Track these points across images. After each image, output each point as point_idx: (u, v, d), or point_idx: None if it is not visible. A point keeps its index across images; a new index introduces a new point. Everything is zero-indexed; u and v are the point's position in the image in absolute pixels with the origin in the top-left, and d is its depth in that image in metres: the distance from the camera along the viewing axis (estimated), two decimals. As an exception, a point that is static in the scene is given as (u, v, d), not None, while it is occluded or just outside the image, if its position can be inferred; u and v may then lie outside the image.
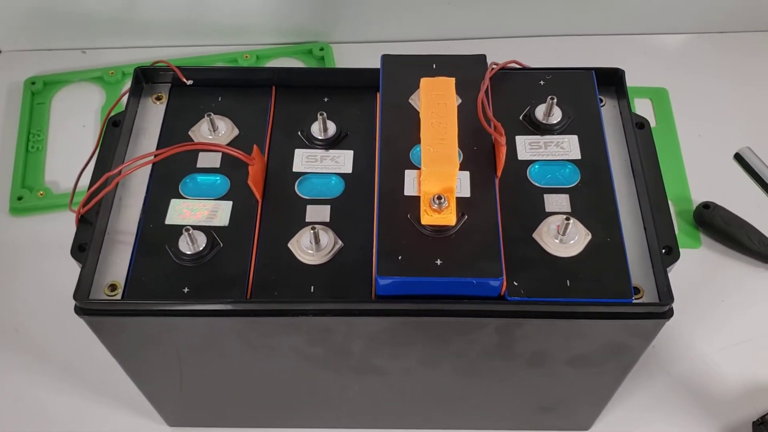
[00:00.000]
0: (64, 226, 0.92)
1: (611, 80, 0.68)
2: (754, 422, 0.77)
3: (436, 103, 0.57)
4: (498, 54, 1.06)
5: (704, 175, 0.95)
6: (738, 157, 0.72)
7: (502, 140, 0.57)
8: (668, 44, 1.11)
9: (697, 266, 0.89)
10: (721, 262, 0.90)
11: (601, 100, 0.68)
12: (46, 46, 1.09)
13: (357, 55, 1.07)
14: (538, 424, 0.77)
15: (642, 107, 1.02)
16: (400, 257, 0.55)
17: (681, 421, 0.79)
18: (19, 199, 0.95)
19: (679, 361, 0.83)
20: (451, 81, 0.58)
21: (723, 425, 0.78)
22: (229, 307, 0.56)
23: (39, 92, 1.04)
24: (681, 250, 0.89)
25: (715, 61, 1.08)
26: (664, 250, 0.58)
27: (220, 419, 0.78)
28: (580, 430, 0.79)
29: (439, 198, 0.55)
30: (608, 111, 0.68)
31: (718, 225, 0.89)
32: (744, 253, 0.89)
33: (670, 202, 0.93)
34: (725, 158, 0.97)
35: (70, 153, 1.00)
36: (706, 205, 0.90)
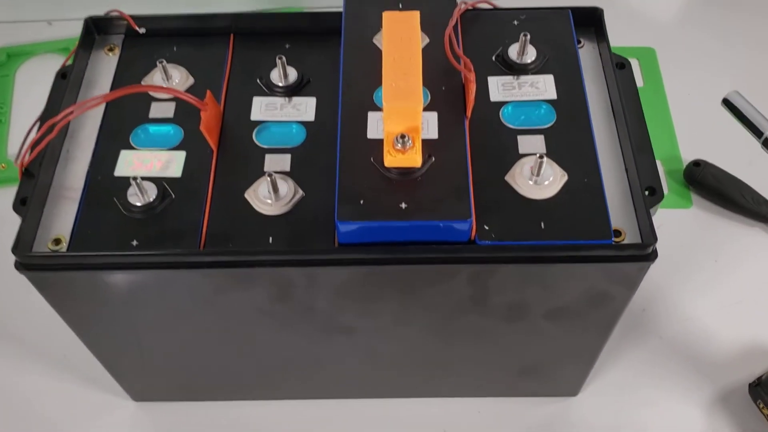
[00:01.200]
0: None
1: (590, 21, 0.64)
2: (750, 384, 0.73)
3: (399, 37, 0.53)
4: None
5: (694, 133, 0.91)
6: (726, 102, 0.68)
7: (472, 76, 0.53)
8: (654, 1, 1.07)
9: (689, 226, 0.85)
10: (713, 221, 0.86)
11: (579, 42, 0.64)
12: (10, 18, 1.05)
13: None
14: (521, 390, 0.73)
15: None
16: (362, 201, 0.51)
17: (674, 385, 0.75)
18: (-19, 172, 0.91)
19: (671, 324, 0.79)
20: (416, 14, 0.54)
21: (718, 388, 0.74)
22: (179, 258, 0.52)
23: (3, 64, 1.01)
24: (671, 210, 0.86)
25: (703, 18, 1.04)
26: (647, 192, 0.55)
27: (186, 392, 0.74)
28: (568, 395, 0.75)
29: (403, 137, 0.51)
30: (587, 53, 0.64)
31: (710, 183, 0.85)
32: (736, 211, 0.85)
33: (659, 162, 0.90)
34: (715, 115, 0.93)
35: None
36: (696, 163, 0.86)
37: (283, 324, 0.60)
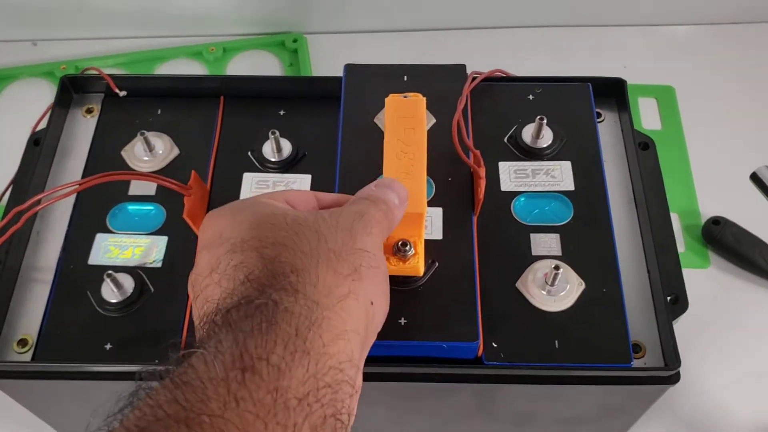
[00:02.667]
0: None
1: (611, 91, 0.59)
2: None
3: (403, 128, 0.48)
4: (490, 45, 0.98)
5: (714, 186, 0.86)
6: (755, 177, 0.63)
7: (482, 172, 0.48)
8: (675, 36, 1.00)
9: (706, 288, 0.80)
10: (732, 283, 0.81)
11: (599, 115, 0.59)
12: (-8, 37, 1.00)
13: (334, 47, 0.97)
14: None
15: (646, 107, 0.92)
16: (356, 314, 0.46)
17: (685, 467, 0.71)
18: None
19: (685, 399, 0.74)
20: (422, 102, 0.49)
21: (732, 473, 0.70)
22: (156, 368, 0.48)
23: (-16, 88, 0.95)
24: (687, 270, 0.80)
25: (726, 56, 0.98)
26: (669, 298, 0.50)
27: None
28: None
29: (404, 244, 0.46)
30: (607, 127, 0.58)
31: (729, 243, 0.80)
32: (757, 273, 0.80)
33: (675, 216, 0.85)
34: (738, 168, 0.88)
35: (15, 157, 0.90)
36: (716, 221, 0.81)
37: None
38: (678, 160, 0.88)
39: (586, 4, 0.97)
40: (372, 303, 0.37)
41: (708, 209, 0.84)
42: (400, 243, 0.46)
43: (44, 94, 0.95)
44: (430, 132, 0.52)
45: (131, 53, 0.95)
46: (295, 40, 0.96)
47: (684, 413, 0.74)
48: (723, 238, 0.80)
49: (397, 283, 0.47)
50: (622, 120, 0.58)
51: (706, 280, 0.81)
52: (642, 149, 0.56)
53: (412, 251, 0.46)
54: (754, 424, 0.73)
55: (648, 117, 0.92)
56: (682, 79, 0.95)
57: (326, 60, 0.95)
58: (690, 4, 0.98)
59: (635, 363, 0.47)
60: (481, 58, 0.93)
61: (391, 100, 0.49)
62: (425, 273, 0.47)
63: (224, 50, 0.96)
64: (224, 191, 0.55)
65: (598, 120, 0.58)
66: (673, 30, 1.01)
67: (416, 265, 0.46)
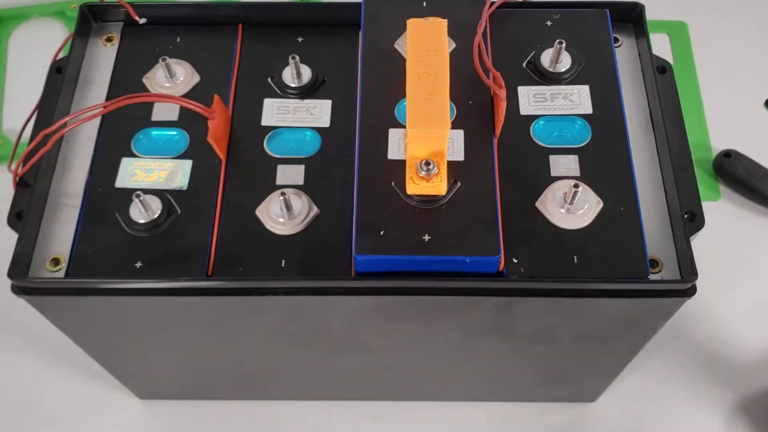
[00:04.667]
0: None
1: (629, 16, 0.59)
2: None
3: (425, 50, 0.48)
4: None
5: (725, 120, 0.86)
6: (769, 105, 0.63)
7: (502, 93, 0.49)
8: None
9: (716, 220, 0.81)
10: (742, 215, 0.82)
11: (617, 40, 0.59)
12: (1, -23, 0.99)
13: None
14: (541, 396, 0.71)
15: (659, 43, 0.92)
16: (382, 232, 0.47)
17: (694, 392, 0.73)
18: (-25, 146, 0.87)
19: (694, 327, 0.76)
20: (443, 24, 0.49)
21: (739, 396, 0.72)
22: (187, 285, 0.49)
23: (-5, 28, 0.95)
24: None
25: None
26: (686, 216, 0.51)
27: (195, 392, 0.72)
28: (586, 402, 0.73)
29: (428, 164, 0.47)
30: (624, 52, 0.59)
31: (740, 175, 0.81)
32: (767, 206, 0.82)
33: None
34: (749, 102, 0.89)
35: (30, 97, 0.90)
36: (727, 154, 0.82)
37: (294, 343, 0.58)
38: (690, 94, 0.88)
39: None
40: None
41: (719, 143, 0.85)
42: (423, 162, 0.47)
43: (55, 33, 0.95)
44: (451, 56, 0.53)
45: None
46: None
47: (691, 340, 0.75)
48: (734, 171, 0.81)
49: (421, 201, 0.48)
50: (639, 45, 0.58)
51: (716, 213, 0.82)
52: (659, 73, 0.57)
53: (436, 170, 0.47)
54: (759, 349, 0.75)
55: (660, 53, 0.92)
56: (694, 15, 0.94)
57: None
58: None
59: (653, 277, 0.49)
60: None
61: (413, 23, 0.50)
62: (448, 192, 0.48)
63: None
64: (246, 117, 0.56)
65: (616, 45, 0.58)
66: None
67: (439, 184, 0.47)
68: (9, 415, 0.73)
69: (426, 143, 0.47)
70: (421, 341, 0.57)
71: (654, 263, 0.50)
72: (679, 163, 0.52)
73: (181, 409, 0.73)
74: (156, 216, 0.51)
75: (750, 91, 0.89)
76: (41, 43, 0.95)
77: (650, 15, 0.90)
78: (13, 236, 0.51)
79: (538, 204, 0.50)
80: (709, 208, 0.82)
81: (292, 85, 0.57)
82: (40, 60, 0.93)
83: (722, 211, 0.82)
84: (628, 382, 0.73)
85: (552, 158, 0.52)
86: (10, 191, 0.84)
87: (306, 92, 0.57)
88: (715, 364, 0.74)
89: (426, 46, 0.49)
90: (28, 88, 0.91)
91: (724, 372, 0.74)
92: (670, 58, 0.91)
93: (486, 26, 0.55)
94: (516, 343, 0.57)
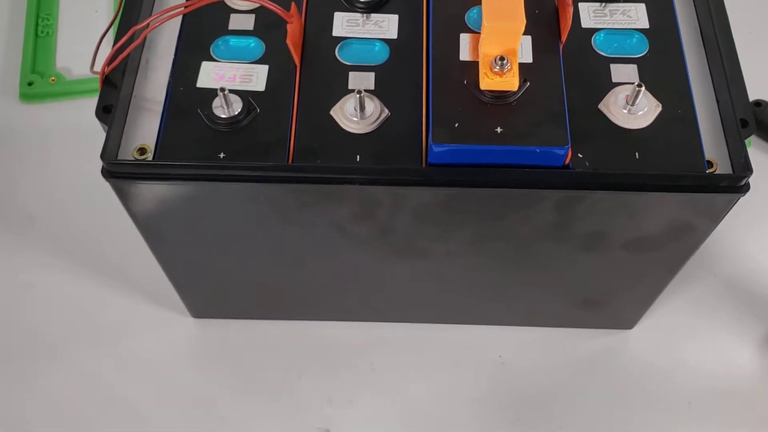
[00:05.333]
0: (78, 113, 0.88)
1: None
2: None
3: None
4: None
5: (754, 72, 0.89)
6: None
7: (570, -1, 0.52)
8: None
9: (746, 167, 0.84)
10: (770, 163, 0.85)
11: (668, -34, 0.62)
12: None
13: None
14: (580, 321, 0.74)
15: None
16: (456, 125, 0.50)
17: (726, 323, 0.76)
18: (30, 84, 0.89)
19: (726, 262, 0.79)
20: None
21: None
22: (270, 172, 0.52)
23: (47, -26, 0.98)
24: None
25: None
26: (740, 121, 0.54)
27: (247, 310, 0.75)
28: (623, 329, 0.75)
29: (501, 59, 0.50)
30: (674, -20, 0.62)
31: (770, 124, 0.84)
32: (796, 154, 0.85)
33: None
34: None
35: (82, 39, 0.93)
36: (757, 103, 0.85)
37: (358, 243, 0.60)
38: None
39: None
40: None
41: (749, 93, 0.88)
42: (498, 58, 0.50)
43: (107, -20, 0.98)
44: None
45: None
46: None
47: (724, 273, 0.79)
48: (765, 119, 0.85)
49: (493, 97, 0.51)
50: (687, -30, 0.62)
51: (746, 160, 0.85)
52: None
53: (509, 66, 0.50)
54: (791, 285, 0.78)
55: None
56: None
57: None
58: None
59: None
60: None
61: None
62: (519, 89, 0.51)
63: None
64: (318, 27, 0.59)
65: (667, -30, 0.61)
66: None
67: (512, 79, 0.50)
68: (57, 327, 0.75)
69: (501, 39, 0.50)
70: (477, 246, 0.60)
71: (710, 164, 0.53)
72: (731, 74, 0.55)
73: (234, 328, 0.75)
74: (237, 113, 0.54)
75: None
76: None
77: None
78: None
79: (600, 106, 0.53)
80: (739, 154, 0.85)
81: (361, 0, 0.60)
82: (91, 5, 0.97)
83: (753, 159, 0.85)
84: (663, 311, 0.76)
85: (613, 66, 0.55)
86: (63, 125, 0.88)
87: (374, 7, 0.60)
88: (746, 298, 0.77)
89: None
90: (80, 30, 0.94)
91: (755, 305, 0.77)
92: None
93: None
94: (569, 249, 0.60)
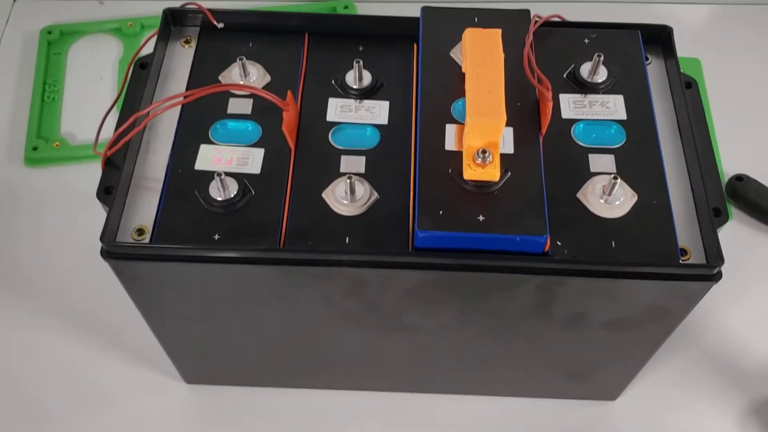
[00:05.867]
0: (80, 178, 0.91)
1: (658, 38, 0.66)
2: None
3: (482, 54, 0.55)
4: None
5: (736, 145, 0.93)
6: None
7: (549, 95, 0.55)
8: (698, 15, 1.08)
9: (729, 240, 0.85)
10: (753, 237, 0.88)
11: (647, 58, 0.65)
12: (62, -5, 1.06)
13: (384, 14, 1.04)
14: (563, 392, 0.76)
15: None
16: (441, 212, 0.53)
17: (709, 395, 0.78)
18: (35, 149, 0.92)
19: (709, 335, 0.81)
20: (497, 32, 0.56)
21: (752, 400, 0.77)
22: (262, 254, 0.54)
23: (55, 42, 1.02)
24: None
25: (746, 36, 1.05)
26: (712, 210, 0.57)
27: (241, 378, 0.77)
28: (606, 399, 0.77)
29: (483, 152, 0.53)
30: (654, 69, 0.65)
31: (752, 198, 0.87)
32: (777, 228, 0.87)
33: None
34: (759, 129, 0.96)
35: (86, 105, 0.97)
36: (739, 178, 0.88)
37: (348, 319, 0.63)
38: (704, 125, 0.95)
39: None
40: None
41: (730, 168, 0.91)
42: (480, 150, 0.53)
43: (111, 48, 1.02)
44: (501, 63, 0.59)
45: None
46: (346, 7, 1.03)
47: (707, 346, 0.80)
48: (746, 194, 0.87)
49: (476, 186, 0.54)
50: (668, 64, 0.65)
51: (728, 233, 0.87)
52: (687, 88, 0.63)
53: (491, 158, 0.53)
54: (771, 358, 0.80)
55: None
56: (706, 54, 1.02)
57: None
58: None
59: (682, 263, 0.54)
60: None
61: (471, 31, 0.56)
62: (500, 179, 0.54)
63: (280, 13, 1.02)
64: (312, 113, 0.62)
65: (647, 63, 0.65)
66: (693, 9, 1.08)
67: (493, 171, 0.53)
68: (53, 390, 0.77)
69: (483, 133, 0.53)
70: (464, 322, 0.62)
71: (683, 252, 0.55)
72: (705, 164, 0.58)
73: (227, 395, 0.77)
74: (233, 195, 0.56)
75: (761, 117, 0.96)
76: (98, 56, 1.01)
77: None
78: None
79: (579, 195, 0.56)
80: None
81: (354, 87, 0.63)
82: (96, 72, 1.00)
83: (734, 232, 0.88)
84: (647, 383, 0.78)
85: (591, 156, 0.58)
86: (67, 189, 0.90)
87: (366, 94, 0.63)
88: (729, 371, 0.79)
89: (483, 51, 0.55)
90: (85, 96, 0.98)
91: (737, 378, 0.78)
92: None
93: (532, 39, 0.61)
94: (551, 327, 0.62)
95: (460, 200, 0.53)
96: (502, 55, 0.55)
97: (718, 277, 0.54)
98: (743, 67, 1.02)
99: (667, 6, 1.08)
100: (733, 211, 0.89)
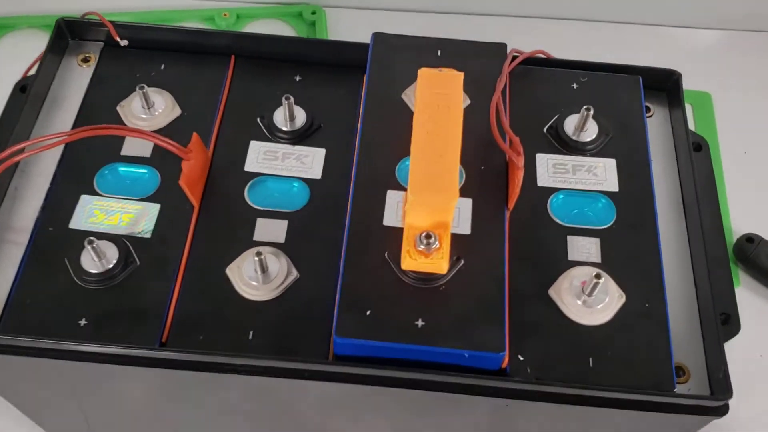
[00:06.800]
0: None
1: (663, 84, 0.53)
2: None
3: (436, 105, 0.42)
4: (525, 34, 0.92)
5: (749, 200, 0.80)
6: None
7: (520, 161, 0.43)
8: (711, 41, 0.95)
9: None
10: (762, 307, 0.75)
11: (648, 109, 0.53)
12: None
13: (355, 23, 0.92)
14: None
15: (681, 113, 0.87)
16: (368, 312, 0.41)
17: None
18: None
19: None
20: (459, 77, 0.43)
21: None
22: (135, 353, 0.42)
23: (-19, 34, 0.89)
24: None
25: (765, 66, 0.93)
26: (720, 317, 0.44)
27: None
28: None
29: (428, 236, 0.40)
30: (656, 124, 0.53)
31: (762, 263, 0.75)
32: (790, 299, 0.75)
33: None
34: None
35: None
36: (749, 239, 0.76)
37: (257, 422, 0.50)
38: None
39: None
40: None
41: (741, 225, 0.79)
42: (423, 235, 0.41)
43: (43, 46, 0.89)
44: (465, 113, 0.47)
45: (139, 12, 0.89)
46: (313, 12, 0.91)
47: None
48: (756, 258, 0.75)
49: (417, 279, 0.41)
50: (673, 117, 0.53)
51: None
52: (695, 150, 0.51)
53: (437, 245, 0.41)
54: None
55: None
56: (720, 86, 0.89)
57: (345, 37, 0.89)
58: (726, 8, 0.93)
59: (678, 388, 0.42)
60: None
61: (425, 72, 0.44)
62: (449, 271, 0.42)
63: (238, 17, 0.90)
64: (227, 160, 0.49)
65: (647, 115, 0.52)
66: (707, 34, 0.95)
67: (440, 261, 0.41)
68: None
69: (428, 212, 0.40)
70: (403, 432, 0.50)
71: (680, 371, 0.43)
72: (714, 254, 0.46)
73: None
74: (111, 266, 0.44)
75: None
76: (27, 53, 0.88)
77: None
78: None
79: (551, 291, 0.44)
80: (726, 296, 0.76)
81: (284, 129, 0.50)
82: (21, 70, 0.87)
83: (741, 300, 0.75)
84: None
85: (570, 239, 0.45)
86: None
87: (298, 137, 0.51)
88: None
89: (438, 101, 0.42)
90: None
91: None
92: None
93: (506, 83, 0.49)
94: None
95: (395, 297, 0.41)
96: (461, 109, 0.42)
97: (723, 411, 0.42)
98: (761, 104, 0.89)
99: (678, 30, 0.95)
100: (741, 275, 0.77)
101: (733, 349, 0.70)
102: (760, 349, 0.73)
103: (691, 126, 0.86)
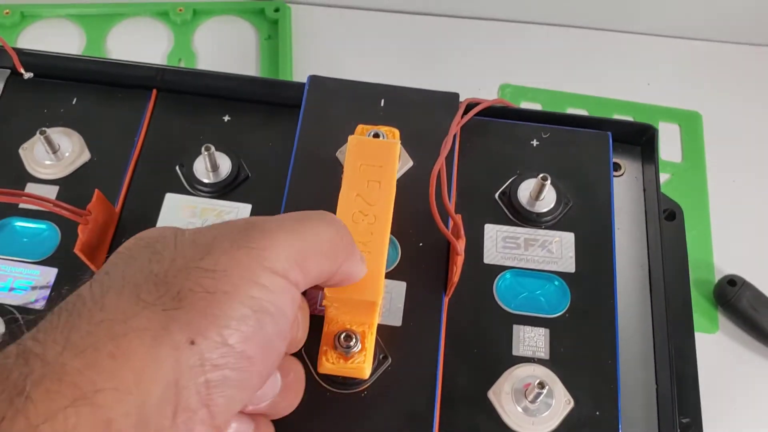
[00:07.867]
0: None
1: (637, 139, 0.48)
2: None
3: (367, 180, 0.37)
4: (501, 40, 0.85)
5: (735, 238, 0.75)
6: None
7: (460, 247, 0.37)
8: (703, 54, 0.88)
9: (712, 357, 0.69)
10: (741, 354, 0.70)
11: (618, 167, 0.47)
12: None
13: (321, 21, 0.85)
14: None
15: (667, 134, 0.81)
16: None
17: None
18: None
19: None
20: (394, 147, 0.38)
21: None
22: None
23: None
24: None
25: (763, 82, 0.86)
26: (684, 422, 0.39)
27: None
28: None
29: (348, 338, 0.35)
30: (626, 183, 0.47)
31: (744, 308, 0.69)
32: (770, 346, 0.70)
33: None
34: (764, 219, 0.78)
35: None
36: (731, 281, 0.70)
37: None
38: (696, 202, 0.76)
39: (612, 6, 0.85)
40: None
41: (724, 265, 0.73)
42: (342, 335, 0.35)
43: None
44: (405, 178, 0.41)
45: (87, 5, 0.82)
46: (276, 9, 0.84)
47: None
48: (738, 302, 0.70)
49: (335, 384, 0.36)
50: (646, 178, 0.47)
51: (712, 348, 0.70)
52: (668, 219, 0.45)
53: (358, 347, 0.35)
54: None
55: (668, 146, 0.80)
56: (710, 105, 0.83)
57: (310, 37, 0.82)
58: (727, 20, 0.86)
59: None
60: (489, 56, 0.81)
61: (356, 141, 0.38)
62: (373, 373, 0.36)
63: (194, 12, 0.83)
64: (138, 216, 0.44)
65: (616, 173, 0.47)
66: (699, 45, 0.89)
67: (361, 365, 0.35)
68: None
69: (349, 311, 0.35)
70: None
71: (632, 493, 0.38)
72: (681, 345, 0.41)
73: None
74: (-5, 345, 0.39)
75: (766, 208, 0.78)
76: None
77: (660, 99, 0.80)
78: None
79: (491, 394, 0.38)
80: (703, 340, 0.70)
81: (205, 181, 0.45)
82: None
83: (719, 346, 0.70)
84: None
85: (516, 329, 0.40)
86: None
87: (222, 190, 0.45)
88: None
89: (369, 176, 0.37)
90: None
91: None
92: (678, 153, 0.80)
93: (455, 141, 0.43)
94: None
95: (307, 405, 0.36)
96: (393, 187, 0.37)
97: None
98: (752, 125, 0.83)
99: (666, 40, 0.88)
100: (721, 319, 0.72)
101: (715, 391, 0.66)
102: (740, 396, 0.69)
103: (678, 147, 0.81)
